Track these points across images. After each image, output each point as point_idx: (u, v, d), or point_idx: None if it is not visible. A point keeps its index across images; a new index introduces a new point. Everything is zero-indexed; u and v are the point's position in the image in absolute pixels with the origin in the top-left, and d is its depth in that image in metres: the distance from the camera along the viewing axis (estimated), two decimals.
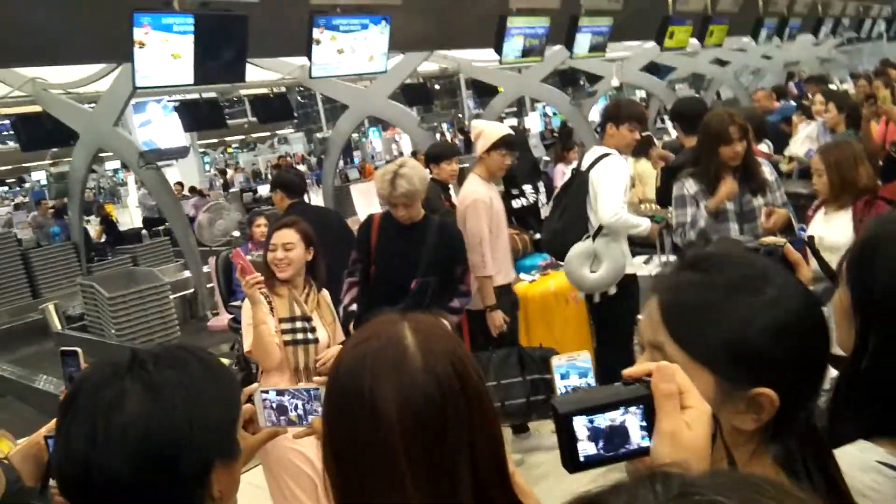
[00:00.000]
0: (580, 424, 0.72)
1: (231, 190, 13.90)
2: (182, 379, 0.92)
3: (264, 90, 9.83)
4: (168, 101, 13.40)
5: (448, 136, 19.80)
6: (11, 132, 9.55)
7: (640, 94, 14.60)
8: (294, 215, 3.13)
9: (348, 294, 3.25)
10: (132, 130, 14.26)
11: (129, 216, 15.29)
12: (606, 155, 3.43)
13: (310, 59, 4.96)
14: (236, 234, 6.93)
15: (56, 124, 6.50)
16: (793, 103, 7.37)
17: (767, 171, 3.16)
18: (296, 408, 1.41)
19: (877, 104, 4.28)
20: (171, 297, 5.39)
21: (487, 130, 3.64)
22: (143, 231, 11.16)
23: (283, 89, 10.04)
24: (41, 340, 5.86)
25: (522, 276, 4.21)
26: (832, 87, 8.21)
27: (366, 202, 5.54)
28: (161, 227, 10.06)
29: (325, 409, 0.95)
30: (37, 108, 6.71)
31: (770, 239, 1.23)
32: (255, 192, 12.51)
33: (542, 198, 5.02)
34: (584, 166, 3.48)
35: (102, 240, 10.64)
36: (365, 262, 3.27)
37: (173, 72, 4.23)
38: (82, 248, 6.93)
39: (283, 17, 5.07)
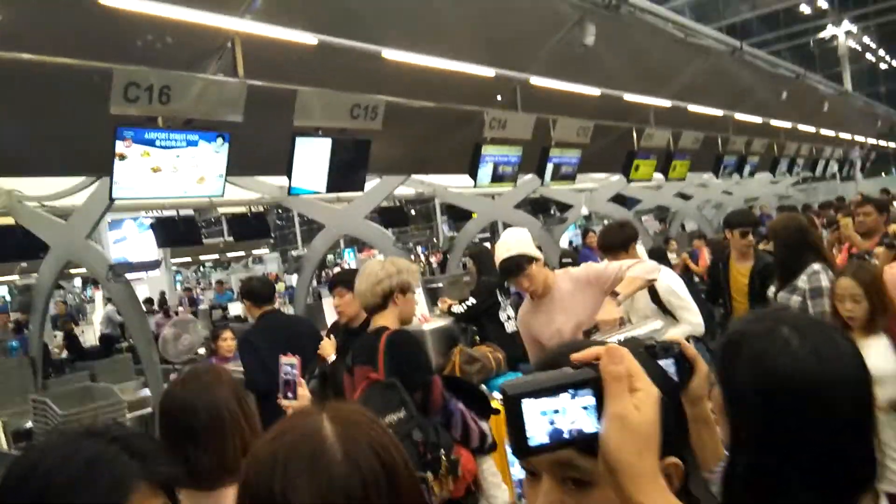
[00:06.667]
0: (529, 408, 0.70)
1: (200, 307, 13.70)
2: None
3: (242, 209, 9.93)
4: (144, 217, 13.47)
5: (423, 258, 20.03)
6: None
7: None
8: (266, 324, 3.05)
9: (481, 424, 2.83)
10: (106, 246, 14.20)
11: (94, 333, 14.88)
12: None
13: (289, 178, 5.07)
14: (202, 350, 6.71)
15: (27, 237, 6.41)
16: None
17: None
18: None
19: (838, 231, 4.45)
20: (128, 415, 5.14)
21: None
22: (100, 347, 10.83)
23: (262, 209, 10.17)
24: None
25: (496, 395, 4.10)
26: None
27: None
28: (124, 344, 9.77)
29: None
30: (9, 221, 6.64)
31: (668, 337, 1.26)
32: (224, 308, 12.32)
33: (510, 312, 5.07)
34: None
35: (63, 355, 10.26)
36: None
37: (152, 185, 4.25)
38: (39, 364, 6.64)
39: (264, 137, 5.21)
